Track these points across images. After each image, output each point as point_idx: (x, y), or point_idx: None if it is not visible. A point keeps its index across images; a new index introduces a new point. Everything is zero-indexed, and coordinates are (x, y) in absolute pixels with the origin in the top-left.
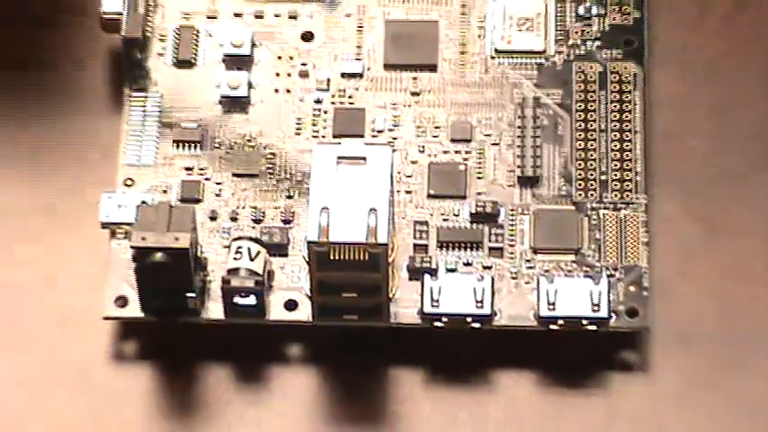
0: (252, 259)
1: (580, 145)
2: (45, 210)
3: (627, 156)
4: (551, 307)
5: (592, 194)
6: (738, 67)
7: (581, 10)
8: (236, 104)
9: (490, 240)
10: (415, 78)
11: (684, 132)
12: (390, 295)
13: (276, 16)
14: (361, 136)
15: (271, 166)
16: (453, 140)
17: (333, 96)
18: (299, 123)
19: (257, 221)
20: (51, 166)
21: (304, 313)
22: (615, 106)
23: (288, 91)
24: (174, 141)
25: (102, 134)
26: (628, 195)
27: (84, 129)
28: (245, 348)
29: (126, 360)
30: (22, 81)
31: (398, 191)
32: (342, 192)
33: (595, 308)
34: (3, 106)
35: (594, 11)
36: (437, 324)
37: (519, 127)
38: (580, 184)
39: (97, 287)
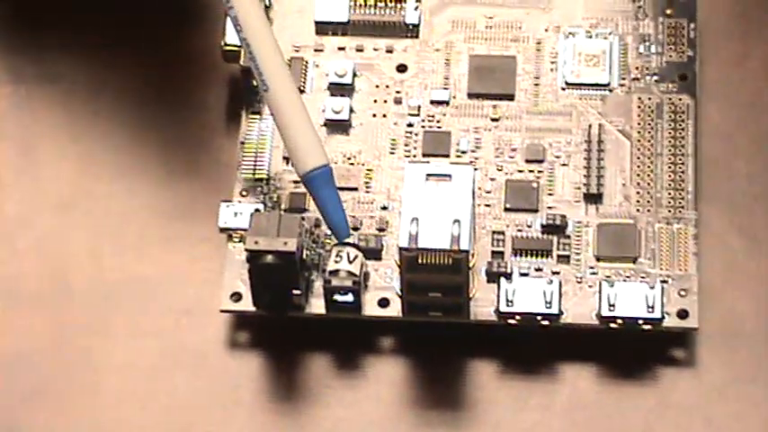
0: (350, 262)
1: (638, 167)
2: (172, 215)
3: (679, 177)
4: (611, 308)
5: (648, 210)
6: None
7: (641, 48)
8: (338, 127)
9: (558, 249)
10: (494, 106)
11: (730, 156)
12: (471, 295)
13: (375, 50)
14: (447, 156)
15: (368, 180)
16: (528, 161)
17: (423, 121)
18: (393, 144)
19: (355, 229)
20: (178, 177)
21: (395, 310)
22: (670, 133)
23: (384, 116)
24: (283, 158)
25: (222, 151)
26: (680, 211)
27: (207, 146)
28: (344, 340)
29: (239, 348)
30: (156, 103)
31: (479, 204)
32: (430, 204)
33: (650, 309)
34: (139, 124)
35: (653, 49)
36: (511, 321)
37: (585, 150)
38: (638, 201)
39: (215, 284)
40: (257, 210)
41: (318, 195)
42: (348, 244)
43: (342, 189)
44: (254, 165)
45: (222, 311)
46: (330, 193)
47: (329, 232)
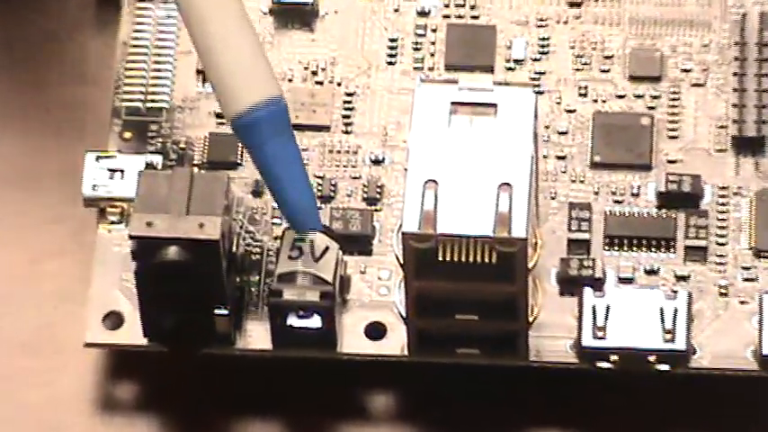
0: (316, 259)
1: None
2: (4, 179)
3: None
4: None
5: None
6: None
7: None
8: (295, 16)
9: (688, 236)
10: None
11: None
12: (530, 319)
13: None
14: (491, 70)
15: (348, 114)
16: (632, 78)
17: (446, 6)
18: (392, 48)
19: (326, 200)
20: (14, 112)
21: (396, 344)
22: None
23: None
24: (197, 73)
25: (88, 62)
26: None
27: (62, 54)
28: (305, 396)
29: (119, 410)
30: None
31: (545, 156)
32: (457, 157)
33: None
34: None
35: None
36: (602, 365)
37: (737, 59)
38: None
39: (77, 297)
40: (150, 165)
41: (263, 154)
42: None
43: (302, 128)
44: (145, 86)
45: (88, 346)
46: (285, 148)
47: (281, 212)
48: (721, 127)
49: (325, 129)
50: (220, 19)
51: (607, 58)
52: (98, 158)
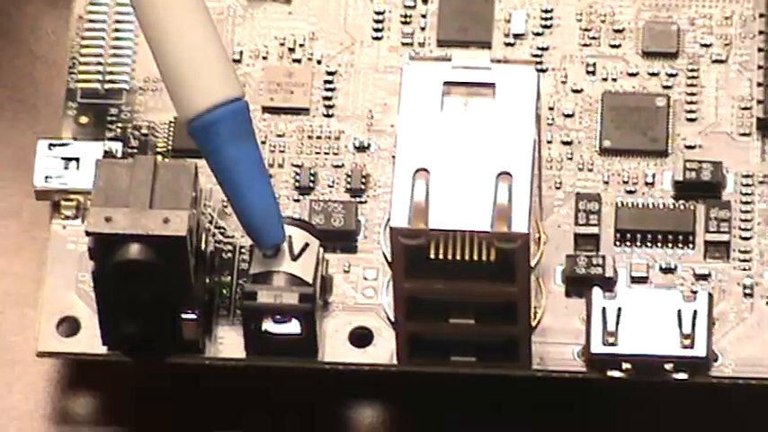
0: (294, 257)
1: None
2: None
3: None
4: None
5: None
6: None
7: None
8: None
9: (708, 229)
10: None
11: None
12: (533, 323)
13: None
14: (488, 46)
15: (329, 95)
16: (646, 54)
17: None
18: (378, 22)
19: (305, 191)
20: None
21: (383, 351)
22: None
23: None
24: None
25: (40, 38)
26: None
27: (10, 29)
28: (282, 409)
29: (75, 425)
30: None
31: (549, 141)
32: (451, 143)
33: None
34: None
35: None
36: (613, 374)
37: (762, 33)
38: None
39: (28, 300)
40: (109, 153)
41: (221, 158)
42: (291, 220)
43: (278, 112)
44: (103, 65)
45: (41, 355)
46: (245, 153)
47: (241, 225)
48: (745, 108)
49: (304, 112)
50: (175, 9)
51: (618, 31)
52: (51, 146)
